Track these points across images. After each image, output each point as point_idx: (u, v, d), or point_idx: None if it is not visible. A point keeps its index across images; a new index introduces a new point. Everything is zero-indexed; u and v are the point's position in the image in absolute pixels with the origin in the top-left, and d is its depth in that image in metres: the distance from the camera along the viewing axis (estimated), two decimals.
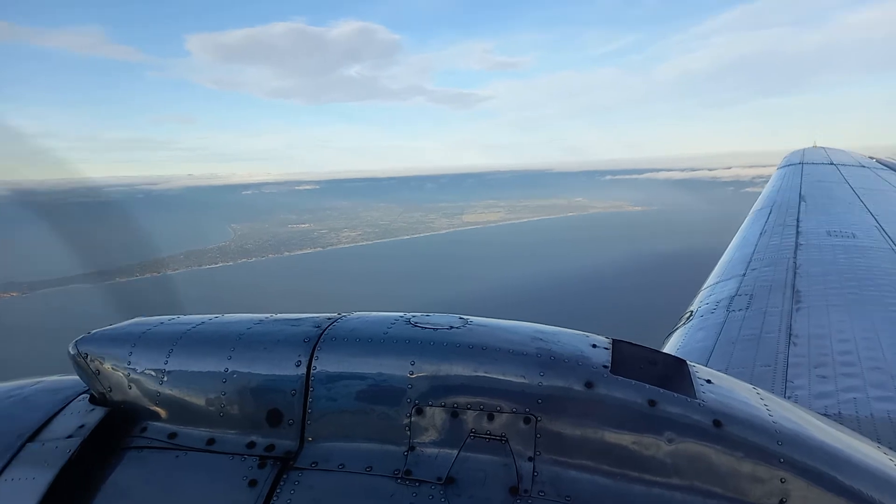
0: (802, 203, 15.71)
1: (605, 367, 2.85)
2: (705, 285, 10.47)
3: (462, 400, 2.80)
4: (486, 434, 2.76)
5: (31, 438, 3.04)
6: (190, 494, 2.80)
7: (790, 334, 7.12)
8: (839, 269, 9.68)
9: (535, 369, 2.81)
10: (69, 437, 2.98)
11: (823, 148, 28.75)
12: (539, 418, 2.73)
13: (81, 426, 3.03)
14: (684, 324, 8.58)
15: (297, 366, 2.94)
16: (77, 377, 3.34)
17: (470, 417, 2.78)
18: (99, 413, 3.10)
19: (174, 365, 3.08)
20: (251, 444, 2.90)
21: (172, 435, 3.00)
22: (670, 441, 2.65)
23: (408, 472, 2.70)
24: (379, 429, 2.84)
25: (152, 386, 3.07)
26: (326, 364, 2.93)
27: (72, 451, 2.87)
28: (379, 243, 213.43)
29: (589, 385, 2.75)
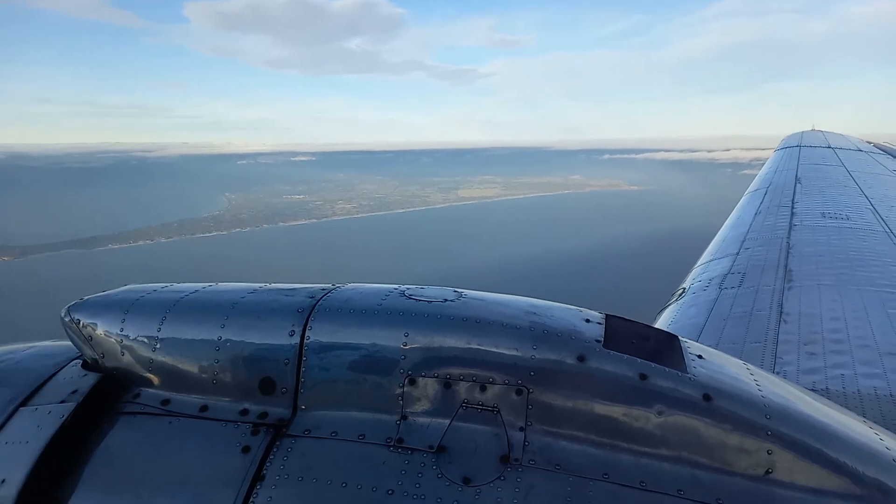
0: (798, 185, 15.73)
1: (598, 341, 2.86)
2: (698, 263, 10.52)
3: (455, 371, 2.82)
4: (478, 405, 2.78)
5: (24, 403, 3.04)
6: (183, 459, 2.82)
7: (781, 312, 7.18)
8: (832, 249, 9.74)
9: (528, 342, 2.83)
10: (62, 401, 2.99)
11: (822, 131, 28.71)
12: (531, 390, 2.75)
13: (74, 391, 3.03)
14: (676, 300, 8.63)
15: (291, 335, 2.94)
16: (70, 343, 3.34)
17: (462, 388, 2.80)
18: (92, 378, 3.10)
19: (167, 332, 3.07)
20: (244, 412, 2.91)
21: (165, 401, 3.01)
22: (660, 413, 2.68)
23: (400, 441, 2.73)
24: (372, 398, 2.86)
25: (145, 353, 3.07)
26: (320, 334, 2.94)
27: (65, 416, 2.87)
28: (374, 216, 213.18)
29: (581, 358, 2.78)
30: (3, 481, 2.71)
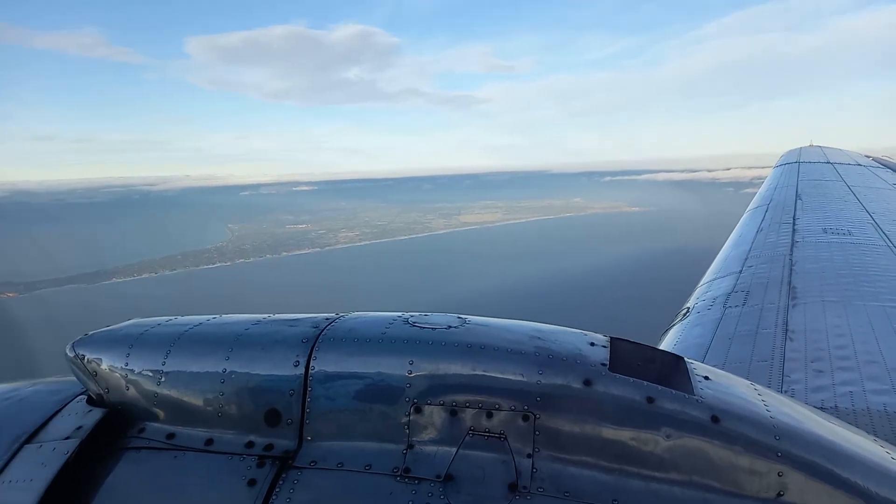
0: (799, 201, 15.75)
1: (604, 364, 2.85)
2: (702, 282, 10.50)
3: (461, 398, 2.80)
4: (485, 432, 2.76)
5: (29, 440, 3.03)
6: (189, 494, 2.80)
7: (786, 330, 7.14)
8: (835, 265, 9.72)
9: (533, 367, 2.82)
10: (67, 438, 2.97)
11: (820, 147, 28.80)
12: (538, 416, 2.73)
13: (79, 427, 3.02)
14: (681, 320, 8.60)
15: (296, 366, 2.93)
16: (74, 378, 3.34)
17: (469, 415, 2.78)
18: (97, 414, 3.09)
19: (172, 366, 3.07)
20: (250, 444, 2.89)
21: (171, 435, 2.99)
22: (668, 437, 2.66)
23: (407, 470, 2.70)
24: (378, 428, 2.84)
25: (150, 387, 3.07)
26: (325, 364, 2.93)
27: (70, 452, 2.86)
28: (376, 243, 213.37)
29: (587, 383, 2.76)
30: None
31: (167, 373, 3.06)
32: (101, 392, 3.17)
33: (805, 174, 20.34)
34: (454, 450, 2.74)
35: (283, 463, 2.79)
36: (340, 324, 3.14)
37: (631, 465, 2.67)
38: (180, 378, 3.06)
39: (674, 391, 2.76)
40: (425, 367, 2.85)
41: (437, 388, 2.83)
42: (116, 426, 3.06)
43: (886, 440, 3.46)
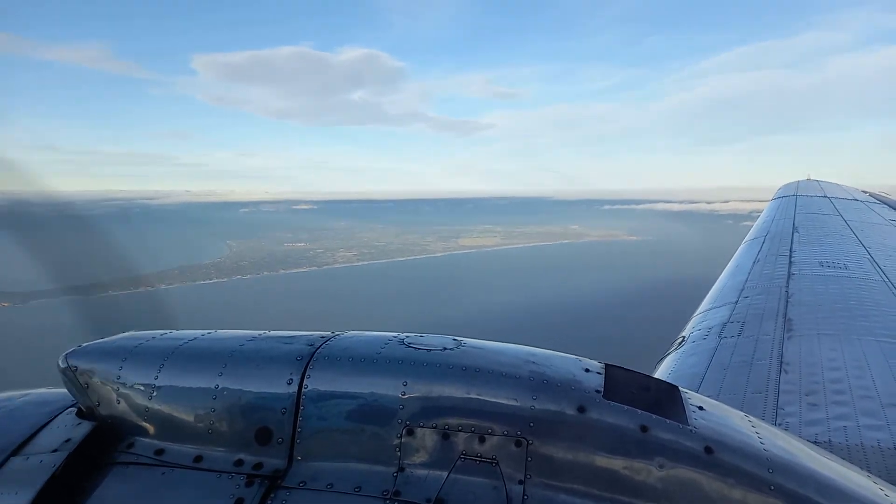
0: (796, 233, 15.81)
1: (598, 391, 2.85)
2: (697, 311, 10.50)
3: (453, 421, 2.79)
4: (477, 456, 2.74)
5: (16, 452, 3.01)
6: None
7: (781, 362, 7.13)
8: (831, 299, 9.73)
9: (527, 392, 2.81)
10: (55, 451, 2.95)
11: (817, 181, 28.95)
12: (531, 441, 2.72)
13: (67, 440, 3.00)
14: (676, 349, 8.58)
15: (289, 384, 2.92)
16: (66, 390, 3.32)
17: (461, 439, 2.77)
18: (86, 427, 3.07)
19: (164, 380, 3.05)
20: (239, 462, 2.87)
21: (159, 451, 2.97)
22: (661, 467, 2.64)
23: (397, 493, 2.68)
24: (369, 449, 2.82)
25: (141, 401, 3.05)
26: (318, 383, 2.92)
27: (57, 466, 2.84)
28: (374, 264, 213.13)
29: (581, 409, 2.75)
30: None
31: (159, 387, 3.04)
32: (92, 405, 3.14)
33: (802, 207, 20.44)
34: (445, 474, 2.72)
35: (272, 482, 2.77)
36: (336, 342, 3.13)
37: (623, 495, 2.64)
38: (172, 393, 3.04)
39: (668, 420, 2.75)
40: (419, 389, 2.84)
41: (430, 410, 2.81)
42: (105, 440, 3.04)
43: (880, 476, 3.44)
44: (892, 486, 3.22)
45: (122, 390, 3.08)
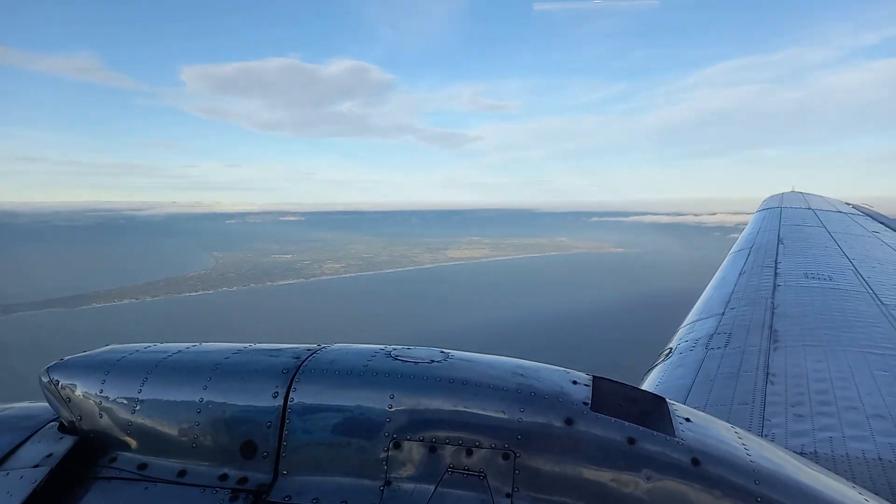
0: (781, 245, 15.94)
1: (586, 403, 2.85)
2: (684, 323, 10.53)
3: (441, 434, 2.78)
4: (464, 469, 2.73)
5: None
6: None
7: (768, 373, 7.16)
8: (816, 310, 9.80)
9: (515, 405, 2.81)
10: (36, 466, 2.91)
11: (801, 193, 29.26)
12: (518, 454, 2.71)
13: (49, 455, 2.95)
14: (663, 360, 8.60)
15: (275, 397, 2.90)
16: (47, 405, 3.27)
17: (448, 452, 2.75)
18: (68, 442, 3.03)
19: (148, 394, 3.02)
20: (223, 477, 2.84)
21: (142, 466, 2.93)
22: (649, 479, 2.64)
23: None
24: (355, 462, 2.80)
25: (124, 415, 3.01)
26: (304, 396, 2.90)
27: (38, 482, 2.79)
28: (362, 276, 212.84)
29: (569, 422, 2.75)
30: None
31: (142, 401, 3.01)
32: (74, 419, 3.10)
33: (787, 219, 20.63)
34: (432, 487, 2.71)
35: (257, 497, 2.74)
36: (322, 355, 3.12)
37: None
38: (156, 407, 3.00)
39: (655, 433, 2.75)
40: (406, 402, 2.83)
41: (417, 423, 2.80)
42: (88, 455, 2.99)
43: (865, 487, 3.46)
44: (877, 497, 3.24)
45: (105, 404, 3.04)
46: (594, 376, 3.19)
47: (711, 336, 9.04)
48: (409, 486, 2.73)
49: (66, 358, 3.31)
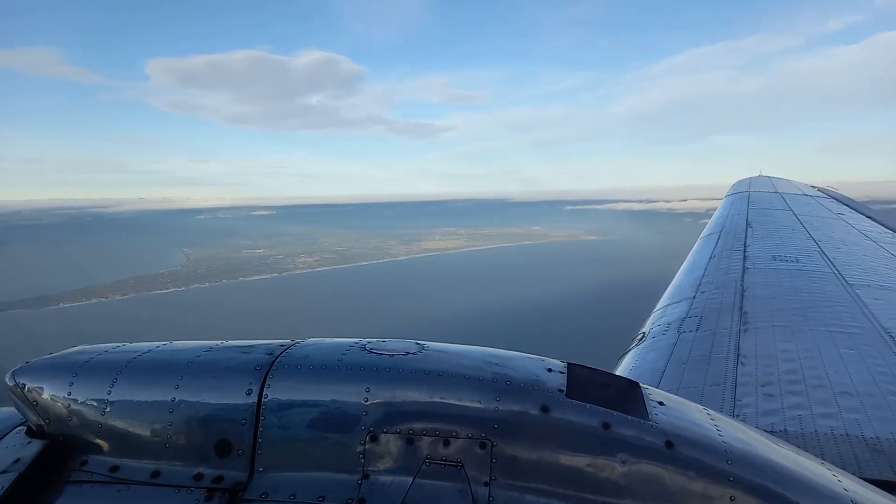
0: (749, 229, 16.22)
1: (561, 391, 2.87)
2: (657, 307, 10.68)
3: (417, 426, 2.78)
4: (442, 460, 2.74)
5: None
6: None
7: (738, 354, 7.30)
8: (784, 291, 10.00)
9: (491, 394, 2.82)
10: (3, 472, 2.85)
11: (769, 177, 29.79)
12: (495, 443, 2.73)
13: (17, 460, 2.89)
14: (637, 345, 8.71)
15: (248, 394, 2.88)
16: (14, 409, 3.20)
17: (425, 444, 2.76)
18: (36, 446, 2.97)
19: (118, 395, 2.97)
20: (198, 476, 2.81)
21: (114, 468, 2.89)
22: (624, 463, 2.68)
23: (361, 501, 2.66)
24: (332, 457, 2.79)
25: (94, 417, 2.96)
26: (278, 392, 2.88)
27: (5, 488, 2.74)
28: (336, 269, 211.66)
29: (545, 409, 2.77)
30: None
31: (113, 402, 2.96)
32: (42, 423, 3.04)
33: (755, 203, 20.99)
34: (410, 479, 2.71)
35: (234, 495, 2.72)
36: (296, 350, 3.09)
37: (587, 492, 2.67)
38: (126, 408, 2.96)
39: (629, 417, 2.79)
40: (382, 395, 2.82)
41: (393, 415, 2.80)
42: (57, 459, 2.94)
43: (833, 463, 3.55)
44: (844, 471, 3.32)
45: (74, 406, 2.99)
46: (568, 363, 3.22)
47: (683, 320, 9.18)
48: (387, 478, 2.73)
49: (33, 360, 3.24)
